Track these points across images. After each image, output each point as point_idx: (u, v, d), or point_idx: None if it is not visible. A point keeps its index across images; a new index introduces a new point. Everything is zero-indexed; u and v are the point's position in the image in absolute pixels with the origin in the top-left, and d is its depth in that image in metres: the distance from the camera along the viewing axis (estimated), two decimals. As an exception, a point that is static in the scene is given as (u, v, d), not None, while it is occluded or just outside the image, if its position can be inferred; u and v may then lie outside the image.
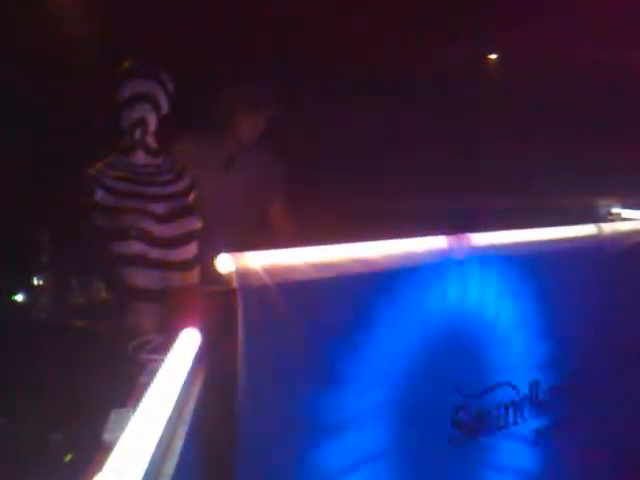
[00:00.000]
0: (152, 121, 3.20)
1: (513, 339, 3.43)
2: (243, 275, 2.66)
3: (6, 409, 2.27)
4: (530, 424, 3.53)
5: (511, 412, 3.46)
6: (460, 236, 3.33)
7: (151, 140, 3.23)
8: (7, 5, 4.66)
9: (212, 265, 2.76)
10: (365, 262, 2.98)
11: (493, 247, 3.42)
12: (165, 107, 3.25)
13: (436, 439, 3.18)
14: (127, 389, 2.19)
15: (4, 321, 2.84)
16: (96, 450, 1.75)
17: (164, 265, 3.10)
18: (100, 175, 3.14)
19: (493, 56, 7.64)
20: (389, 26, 5.83)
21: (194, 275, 3.18)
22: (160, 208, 3.17)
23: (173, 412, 1.91)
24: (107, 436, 1.78)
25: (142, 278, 3.05)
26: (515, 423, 3.47)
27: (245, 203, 3.87)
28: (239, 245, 2.62)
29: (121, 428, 1.74)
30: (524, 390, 3.49)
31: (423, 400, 3.08)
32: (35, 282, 2.94)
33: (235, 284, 2.65)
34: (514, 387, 3.45)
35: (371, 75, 6.18)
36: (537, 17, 6.14)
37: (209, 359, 2.49)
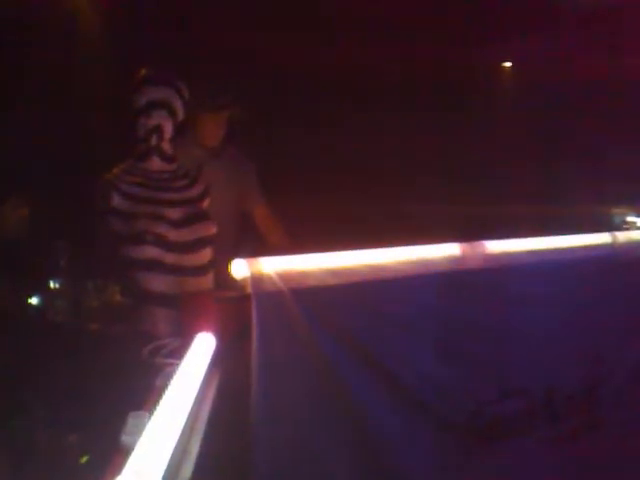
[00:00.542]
0: (168, 128, 3.22)
1: (528, 346, 3.42)
2: (257, 280, 2.67)
3: (22, 411, 2.28)
4: (545, 431, 3.51)
5: (526, 419, 3.45)
6: (474, 243, 3.33)
7: (167, 146, 3.25)
8: (27, 17, 4.70)
9: (226, 270, 2.77)
10: (379, 269, 2.99)
11: (508, 254, 3.42)
12: (181, 114, 3.27)
13: (450, 447, 3.17)
14: (143, 393, 2.20)
15: (21, 324, 2.85)
16: (113, 453, 1.76)
17: (179, 270, 3.11)
18: (116, 180, 3.16)
19: (507, 64, 7.63)
20: (399, 34, 5.84)
21: (208, 280, 3.19)
22: (175, 213, 3.18)
23: (189, 416, 1.92)
24: (125, 439, 1.78)
25: (157, 283, 3.06)
26: (530, 430, 3.45)
27: (223, 206, 3.82)
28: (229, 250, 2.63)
29: (139, 431, 1.74)
30: (539, 397, 3.48)
31: (437, 406, 3.08)
32: (51, 286, 2.95)
33: (249, 289, 2.67)
34: (529, 394, 3.43)
35: (381, 83, 6.19)
36: (550, 24, 6.13)
37: (224, 363, 2.50)
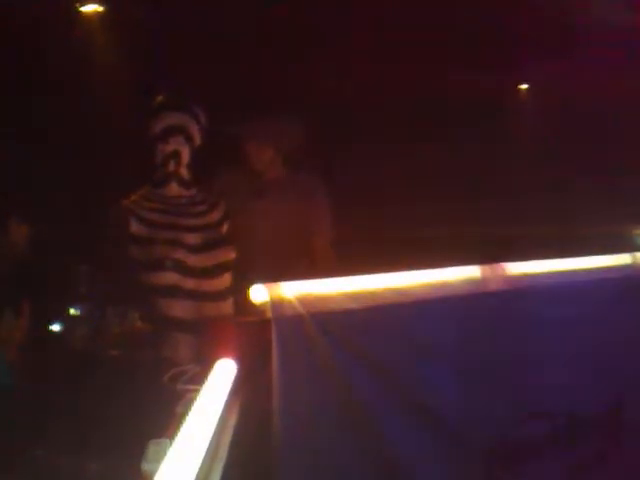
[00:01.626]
0: (185, 153, 3.24)
1: (550, 369, 3.39)
2: (277, 305, 2.66)
3: (44, 439, 2.28)
4: (566, 456, 3.47)
5: (548, 443, 3.40)
6: (495, 265, 3.31)
7: (184, 172, 3.26)
8: (48, 40, 4.76)
9: (246, 295, 2.77)
10: (400, 292, 2.97)
11: (528, 276, 3.40)
12: (198, 139, 3.28)
13: (472, 470, 3.13)
14: (164, 419, 2.19)
15: (42, 351, 2.86)
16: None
17: (198, 295, 3.11)
18: (134, 207, 3.17)
19: (524, 86, 7.64)
20: (418, 58, 5.86)
21: (228, 305, 3.19)
22: (193, 239, 3.19)
23: (211, 443, 1.91)
24: (146, 466, 1.77)
25: (177, 308, 3.06)
26: (553, 455, 3.41)
27: (284, 233, 3.84)
28: (279, 276, 2.63)
29: (159, 459, 1.73)
30: (561, 421, 3.44)
31: (459, 430, 3.05)
32: (72, 312, 2.96)
33: (269, 314, 2.66)
34: (551, 418, 3.39)
35: (399, 107, 6.21)
36: (568, 47, 6.14)
37: (245, 390, 2.49)
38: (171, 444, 1.82)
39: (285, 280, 2.65)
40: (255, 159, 3.91)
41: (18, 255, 3.11)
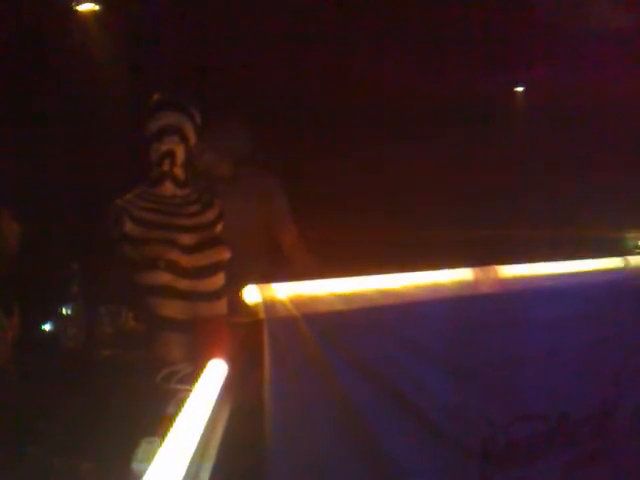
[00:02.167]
0: (180, 153, 3.24)
1: (543, 370, 3.40)
2: (270, 306, 2.66)
3: (36, 439, 2.29)
4: (560, 456, 3.48)
5: (541, 444, 3.42)
6: (488, 268, 3.32)
7: (179, 171, 3.26)
8: (44, 39, 4.77)
9: (239, 296, 2.77)
10: (393, 294, 2.98)
11: (521, 279, 3.41)
12: (193, 139, 3.28)
13: (466, 471, 3.15)
14: (155, 419, 2.20)
15: (34, 351, 2.86)
16: (126, 479, 1.76)
17: (192, 295, 3.11)
18: (128, 206, 3.17)
19: (519, 89, 7.65)
20: (413, 59, 5.87)
21: (222, 305, 3.19)
22: (187, 239, 3.19)
23: (200, 442, 1.92)
24: (136, 466, 1.78)
25: (170, 308, 3.06)
26: (545, 455, 3.42)
27: (239, 233, 3.82)
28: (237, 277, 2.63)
29: (150, 458, 1.74)
30: (554, 422, 3.45)
31: (453, 432, 3.06)
32: (64, 312, 2.96)
33: (262, 315, 2.66)
34: (544, 419, 3.41)
35: (398, 109, 6.21)
36: (564, 49, 6.16)
37: (236, 390, 2.50)
38: (162, 443, 1.83)
39: (244, 281, 2.66)
40: (213, 167, 3.93)
41: (9, 253, 3.09)
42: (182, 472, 1.68)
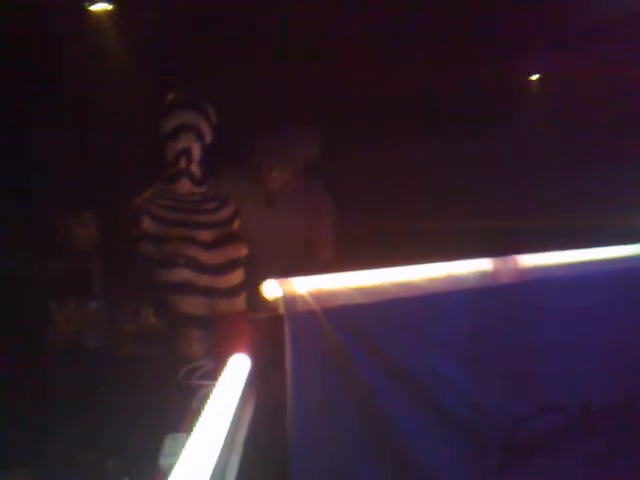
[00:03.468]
0: (196, 151, 3.25)
1: (563, 361, 3.39)
2: (290, 301, 2.67)
3: (63, 436, 2.31)
4: (581, 450, 3.47)
5: (562, 437, 3.41)
6: (506, 258, 3.31)
7: (195, 169, 3.27)
8: (57, 39, 4.78)
9: (259, 291, 2.78)
10: (412, 286, 2.98)
11: (540, 268, 3.40)
12: (209, 137, 3.29)
13: (487, 464, 3.14)
14: (179, 415, 2.21)
15: (56, 350, 2.88)
16: (152, 475, 1.77)
17: (211, 292, 3.12)
18: (147, 204, 3.18)
19: (535, 77, 7.59)
20: (428, 49, 5.84)
21: (241, 301, 3.20)
22: (205, 235, 3.20)
23: (226, 437, 1.93)
24: (163, 461, 1.79)
25: (190, 305, 3.07)
26: (566, 449, 3.42)
27: (290, 236, 3.88)
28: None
29: (176, 454, 1.75)
30: (575, 413, 3.44)
31: (474, 425, 3.05)
32: (86, 309, 2.98)
33: (282, 310, 2.67)
34: (565, 410, 3.40)
35: (409, 100, 6.19)
36: (579, 36, 6.11)
37: (259, 385, 2.51)
38: (187, 439, 1.84)
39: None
40: (271, 178, 3.93)
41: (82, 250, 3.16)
42: (209, 467, 1.69)
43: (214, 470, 1.72)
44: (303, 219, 4.00)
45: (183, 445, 1.80)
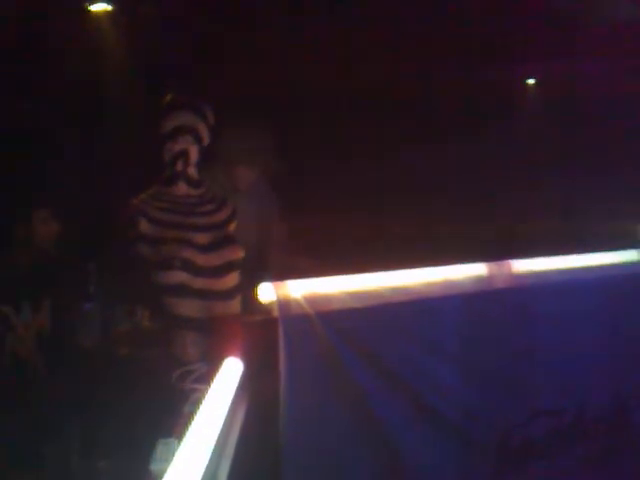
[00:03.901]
0: (194, 153, 3.25)
1: (557, 365, 3.41)
2: (284, 304, 2.68)
3: (53, 437, 2.31)
4: (576, 453, 3.48)
5: (557, 440, 3.42)
6: (501, 263, 3.33)
7: (192, 171, 3.27)
8: (56, 40, 4.78)
9: (254, 294, 2.79)
10: (406, 291, 2.99)
11: (534, 273, 3.41)
12: (207, 139, 3.29)
13: (482, 468, 3.16)
14: (172, 418, 2.22)
15: (51, 350, 2.89)
16: (142, 479, 1.78)
17: (207, 294, 3.13)
18: (144, 206, 3.18)
19: (531, 81, 7.60)
20: (422, 54, 5.85)
21: (236, 304, 3.20)
22: (202, 238, 3.20)
23: (218, 442, 1.94)
24: (154, 466, 1.80)
25: (185, 307, 3.08)
26: (561, 451, 3.43)
27: (249, 244, 3.89)
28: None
29: (167, 458, 1.76)
30: (569, 417, 3.45)
31: (468, 429, 3.07)
32: (81, 311, 2.98)
33: (276, 313, 2.68)
34: (560, 414, 3.41)
35: (405, 103, 6.19)
36: (574, 42, 6.12)
37: (252, 388, 2.52)
38: (179, 444, 1.85)
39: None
40: (245, 179, 3.94)
41: (41, 250, 3.13)
42: (200, 471, 1.70)
43: (205, 474, 1.73)
44: (257, 219, 4.01)
45: (175, 451, 1.81)
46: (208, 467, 1.78)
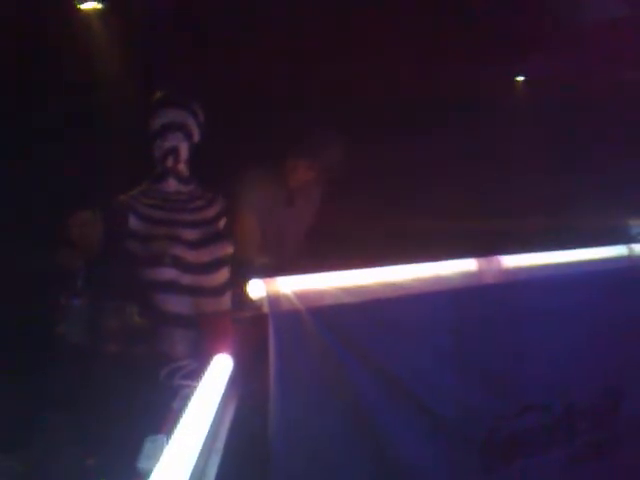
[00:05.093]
0: (184, 150, 3.25)
1: (546, 361, 3.41)
2: (274, 300, 2.68)
3: (42, 434, 2.31)
4: (563, 449, 3.49)
5: (544, 436, 3.42)
6: (491, 258, 3.33)
7: (183, 168, 3.28)
8: (46, 38, 4.77)
9: (244, 290, 2.79)
10: (396, 286, 2.99)
11: (524, 269, 3.41)
12: (197, 136, 3.30)
13: (468, 464, 3.16)
14: (160, 415, 2.22)
15: (39, 346, 2.88)
16: (130, 477, 1.77)
17: (196, 291, 3.13)
18: (133, 202, 3.18)
19: (520, 78, 7.61)
20: (414, 52, 5.85)
21: (225, 300, 3.21)
22: (191, 234, 3.21)
23: (207, 439, 1.93)
24: (142, 464, 1.80)
25: (174, 304, 3.08)
26: (548, 447, 3.43)
27: (296, 234, 3.97)
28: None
29: (155, 456, 1.76)
30: (558, 413, 3.46)
31: (458, 425, 3.07)
32: (70, 307, 2.97)
33: (266, 309, 2.68)
34: (548, 410, 3.42)
35: (396, 102, 6.20)
36: (564, 38, 6.13)
37: (241, 385, 2.51)
38: (167, 441, 1.85)
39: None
40: (297, 177, 3.96)
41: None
42: (188, 469, 1.70)
43: (193, 472, 1.72)
44: (307, 218, 4.08)
45: (163, 447, 1.80)
46: (196, 464, 1.77)
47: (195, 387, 2.24)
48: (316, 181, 4.04)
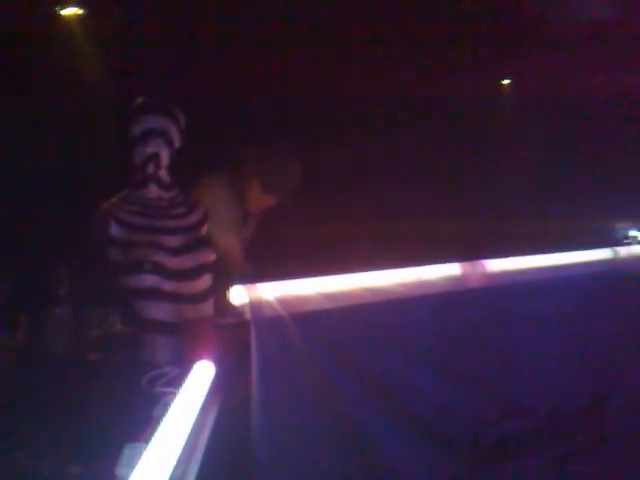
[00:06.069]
0: (165, 156, 3.23)
1: (531, 364, 3.42)
2: (256, 307, 2.67)
3: (22, 442, 2.28)
4: (551, 450, 3.49)
5: (532, 438, 3.43)
6: (475, 262, 3.33)
7: (164, 174, 3.25)
8: (26, 44, 4.75)
9: (226, 297, 2.77)
10: (379, 291, 2.99)
11: (508, 273, 3.42)
12: (178, 142, 3.28)
13: (456, 466, 3.16)
14: (141, 423, 2.19)
15: (20, 353, 2.86)
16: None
17: (178, 297, 3.10)
18: (114, 209, 3.16)
19: (506, 81, 7.63)
20: (398, 54, 5.85)
21: (208, 307, 3.18)
22: (173, 241, 3.18)
23: (186, 446, 1.91)
24: (120, 471, 1.78)
25: (156, 311, 3.05)
26: (536, 449, 3.44)
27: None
28: None
29: (133, 463, 1.74)
30: (544, 415, 3.46)
31: (443, 428, 3.07)
32: (51, 314, 2.95)
33: (249, 316, 2.67)
34: (534, 413, 3.42)
35: (381, 104, 6.20)
36: (549, 41, 6.15)
37: (223, 391, 2.49)
38: (146, 448, 1.82)
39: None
40: (255, 202, 3.92)
41: None
42: (166, 476, 1.68)
43: (171, 478, 1.70)
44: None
45: (141, 454, 1.78)
46: (175, 471, 1.75)
47: (176, 394, 2.22)
48: (270, 204, 3.98)
